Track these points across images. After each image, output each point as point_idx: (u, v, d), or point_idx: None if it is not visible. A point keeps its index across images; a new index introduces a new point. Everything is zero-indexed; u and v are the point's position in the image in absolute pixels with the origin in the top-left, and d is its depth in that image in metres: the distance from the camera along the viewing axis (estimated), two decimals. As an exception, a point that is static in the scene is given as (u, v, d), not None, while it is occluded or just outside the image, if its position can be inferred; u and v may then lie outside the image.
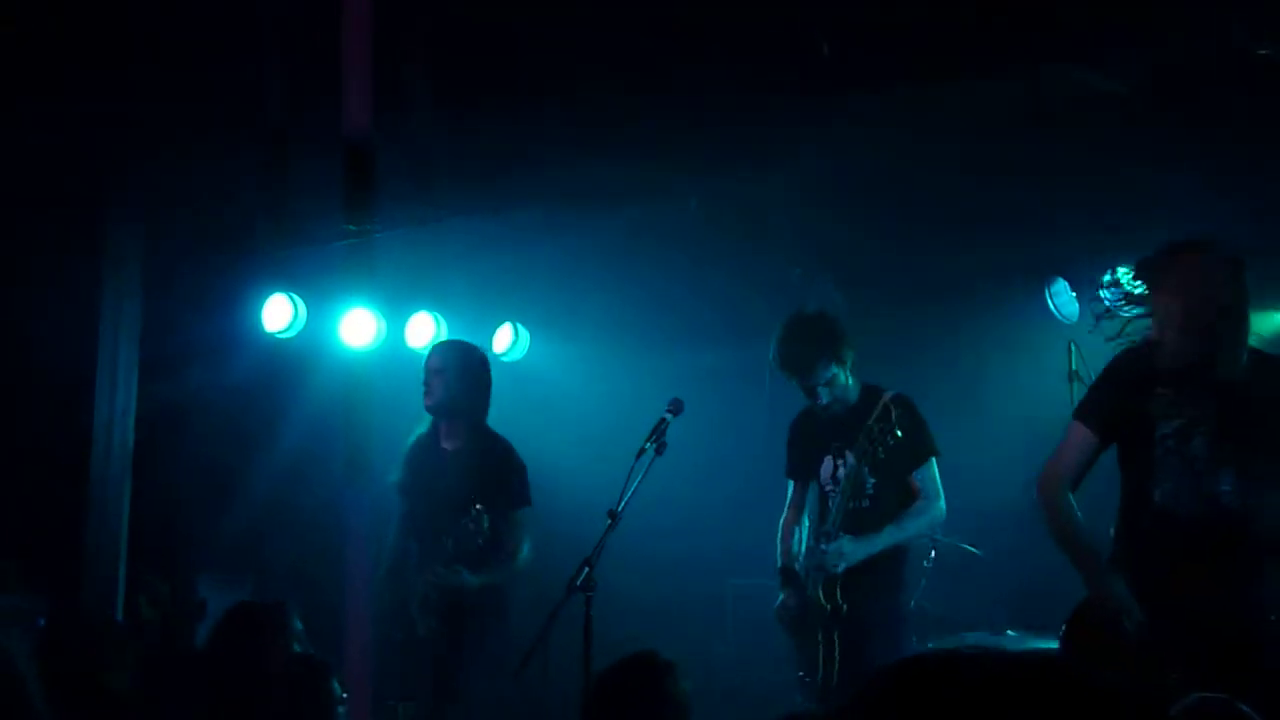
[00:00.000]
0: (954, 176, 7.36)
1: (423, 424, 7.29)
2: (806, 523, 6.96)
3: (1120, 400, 5.22)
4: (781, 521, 6.98)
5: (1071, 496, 5.27)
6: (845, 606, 6.43)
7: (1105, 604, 4.99)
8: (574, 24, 6.37)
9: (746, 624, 7.72)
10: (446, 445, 7.20)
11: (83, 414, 7.60)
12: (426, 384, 7.12)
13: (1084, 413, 5.35)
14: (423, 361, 8.71)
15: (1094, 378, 6.87)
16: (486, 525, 6.70)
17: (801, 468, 6.97)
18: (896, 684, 1.63)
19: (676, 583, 8.94)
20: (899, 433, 6.35)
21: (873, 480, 6.54)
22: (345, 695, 5.05)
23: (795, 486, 7.02)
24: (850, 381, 6.69)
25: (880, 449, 6.37)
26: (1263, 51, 5.74)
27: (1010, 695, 1.55)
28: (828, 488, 6.76)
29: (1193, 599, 4.91)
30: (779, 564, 6.89)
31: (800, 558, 6.84)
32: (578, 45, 6.42)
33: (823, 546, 6.45)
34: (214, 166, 7.40)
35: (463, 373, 7.13)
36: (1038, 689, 1.55)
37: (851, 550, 6.45)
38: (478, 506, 6.71)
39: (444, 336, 9.14)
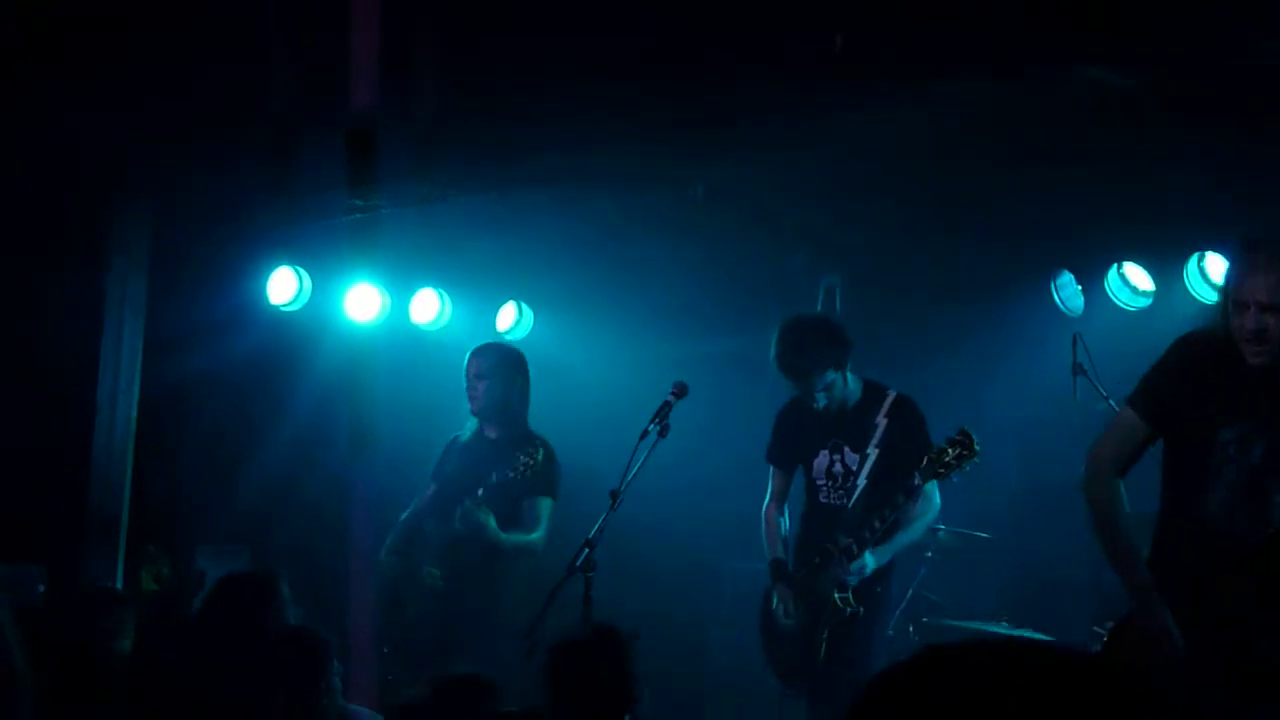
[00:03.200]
0: (961, 169, 7.35)
1: (467, 427, 7.38)
2: (788, 512, 6.98)
3: (1182, 392, 4.83)
4: (764, 510, 6.96)
5: (1121, 487, 4.91)
6: (862, 609, 6.46)
7: (1149, 630, 4.73)
8: (586, 7, 6.36)
9: (743, 606, 7.72)
10: (490, 435, 7.31)
11: (87, 387, 7.63)
12: (470, 389, 7.22)
13: (1139, 400, 4.91)
14: (425, 338, 8.79)
15: (1100, 371, 6.93)
16: (541, 458, 6.86)
17: (788, 456, 6.94)
18: (912, 679, 1.60)
19: (676, 564, 8.97)
20: (967, 469, 6.32)
21: (901, 498, 6.47)
22: (342, 670, 5.09)
23: (778, 473, 6.98)
24: (850, 380, 6.66)
25: (955, 476, 6.34)
26: (1273, 54, 5.71)
27: (1030, 690, 1.53)
28: (820, 481, 6.75)
29: (1238, 619, 4.66)
30: (769, 556, 6.90)
31: (790, 548, 6.86)
32: (588, 26, 6.41)
33: (848, 565, 6.42)
34: (220, 142, 7.39)
35: (505, 377, 7.24)
36: (1059, 685, 1.53)
37: (873, 563, 6.46)
38: (529, 454, 6.87)
39: (448, 313, 9.17)
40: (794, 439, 6.89)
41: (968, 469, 6.28)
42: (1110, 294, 7.88)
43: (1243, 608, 4.67)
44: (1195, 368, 4.83)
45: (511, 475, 6.86)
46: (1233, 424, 4.77)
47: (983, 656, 1.59)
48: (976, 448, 6.23)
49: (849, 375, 6.65)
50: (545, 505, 7.08)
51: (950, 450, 6.25)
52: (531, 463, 6.85)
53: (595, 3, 6.26)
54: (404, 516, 7.39)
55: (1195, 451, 4.83)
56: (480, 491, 6.89)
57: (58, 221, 7.57)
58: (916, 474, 6.35)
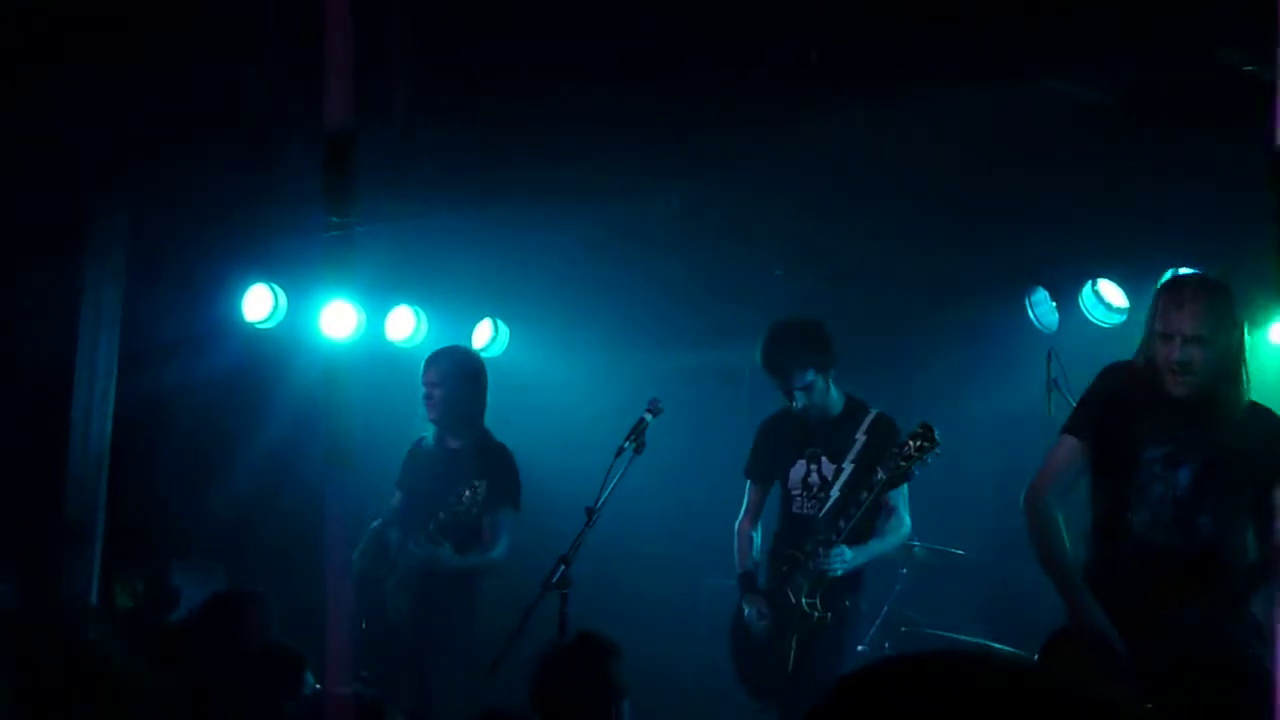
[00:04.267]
0: (936, 184, 7.38)
1: (429, 432, 7.37)
2: (760, 528, 6.99)
3: (1112, 413, 5.03)
4: (737, 525, 6.99)
5: (1058, 512, 5.09)
6: (829, 614, 6.48)
7: (1087, 634, 4.86)
8: (559, 19, 6.36)
9: (719, 623, 7.71)
10: (451, 444, 7.29)
11: (61, 402, 7.59)
12: (427, 397, 7.20)
13: (1075, 426, 5.15)
14: (400, 355, 8.77)
15: (1074, 388, 6.94)
16: (482, 498, 6.80)
17: (766, 470, 6.98)
18: (862, 693, 1.59)
19: (652, 582, 8.95)
20: (928, 460, 6.35)
21: (865, 495, 6.53)
22: (319, 686, 5.07)
23: (754, 488, 7.02)
24: (833, 392, 6.72)
25: (916, 468, 6.38)
26: (1247, 68, 5.75)
27: (989, 704, 1.52)
28: (795, 491, 6.78)
29: (1169, 630, 4.79)
30: (739, 570, 6.91)
31: (761, 564, 6.87)
32: (562, 41, 6.42)
33: (822, 552, 6.45)
34: (197, 156, 7.38)
35: (459, 382, 7.22)
36: (1021, 698, 1.53)
37: (852, 557, 6.49)
38: (477, 481, 6.82)
39: (424, 330, 9.16)
40: (773, 452, 6.92)
41: (929, 460, 6.32)
42: (1084, 310, 7.91)
43: (1173, 620, 4.80)
44: (1120, 394, 5.01)
45: (459, 510, 6.84)
46: (1157, 445, 4.92)
47: (939, 667, 1.58)
48: (937, 438, 6.27)
49: (832, 386, 6.69)
50: (505, 518, 7.07)
51: (911, 443, 6.30)
52: (475, 496, 6.83)
53: (571, 15, 6.26)
54: (373, 526, 7.36)
55: (1121, 470, 4.99)
56: (431, 526, 6.88)
57: (34, 232, 7.54)
58: (880, 469, 6.38)
